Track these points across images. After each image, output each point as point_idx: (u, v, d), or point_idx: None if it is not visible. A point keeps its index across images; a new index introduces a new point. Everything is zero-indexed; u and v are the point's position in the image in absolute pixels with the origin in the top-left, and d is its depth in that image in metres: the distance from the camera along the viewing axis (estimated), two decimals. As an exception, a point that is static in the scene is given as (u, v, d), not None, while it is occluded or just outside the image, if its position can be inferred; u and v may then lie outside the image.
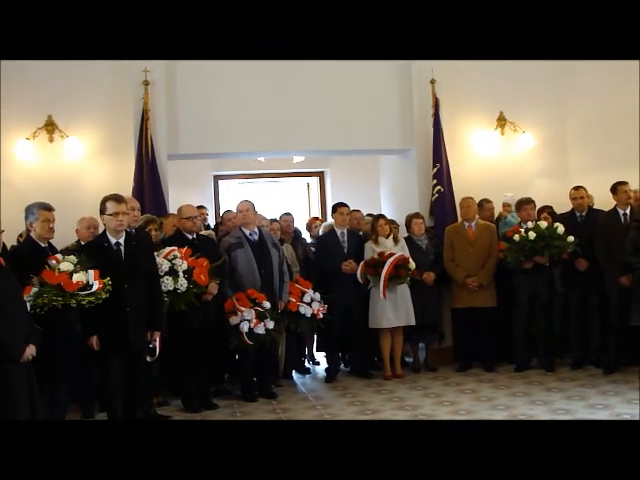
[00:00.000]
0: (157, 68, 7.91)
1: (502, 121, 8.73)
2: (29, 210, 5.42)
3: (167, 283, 6.08)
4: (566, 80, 8.75)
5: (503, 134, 8.74)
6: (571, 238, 7.20)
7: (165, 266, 6.13)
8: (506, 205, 8.39)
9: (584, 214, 7.56)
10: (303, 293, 7.30)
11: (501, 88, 8.70)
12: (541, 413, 6.01)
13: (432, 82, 8.45)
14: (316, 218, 10.14)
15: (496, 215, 8.35)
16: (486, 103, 8.69)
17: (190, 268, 6.25)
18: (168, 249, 6.32)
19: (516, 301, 7.62)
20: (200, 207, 8.08)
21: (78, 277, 5.06)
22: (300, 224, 9.45)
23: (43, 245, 5.39)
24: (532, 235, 7.20)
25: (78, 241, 6.66)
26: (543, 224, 7.33)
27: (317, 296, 7.34)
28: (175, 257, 6.23)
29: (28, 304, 4.80)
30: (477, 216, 7.93)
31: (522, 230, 7.34)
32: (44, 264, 5.12)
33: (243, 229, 7.10)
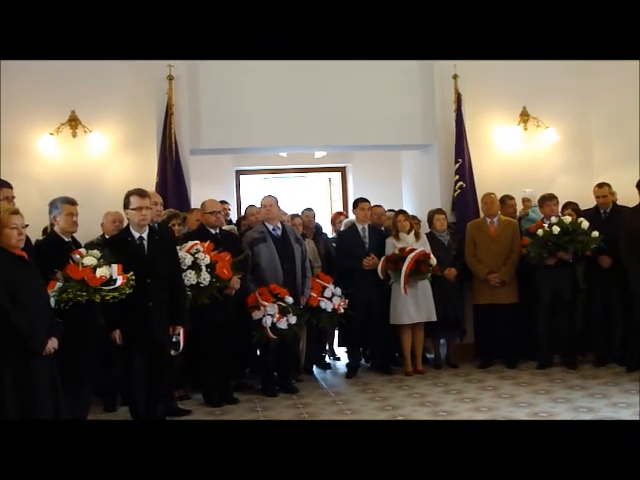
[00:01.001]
0: (180, 63, 7.92)
1: (525, 116, 8.67)
2: (53, 204, 5.45)
3: (190, 277, 6.10)
4: (590, 75, 8.66)
5: (526, 129, 8.68)
6: (596, 233, 7.13)
7: (188, 260, 6.15)
8: (526, 200, 8.33)
9: (608, 210, 7.51)
10: (324, 288, 7.31)
11: (524, 83, 8.63)
12: (563, 411, 5.96)
13: (454, 77, 8.41)
14: (340, 213, 10.12)
15: (518, 212, 8.30)
16: (509, 98, 8.63)
17: (213, 262, 6.27)
18: (191, 243, 6.34)
19: (538, 298, 7.58)
20: (222, 202, 8.11)
21: (101, 271, 5.09)
22: (322, 219, 9.46)
23: (67, 239, 5.42)
24: (556, 230, 7.15)
25: (103, 235, 6.72)
26: (567, 219, 7.27)
27: (338, 291, 7.35)
28: (198, 251, 6.26)
29: (53, 299, 4.85)
30: (499, 212, 7.89)
31: (545, 225, 7.30)
32: (68, 258, 5.16)
33: (266, 224, 7.11)
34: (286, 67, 8.09)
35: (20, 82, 7.66)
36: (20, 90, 7.65)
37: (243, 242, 7.08)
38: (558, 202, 7.66)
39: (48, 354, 4.45)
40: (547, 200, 7.57)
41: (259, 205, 7.42)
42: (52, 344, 4.47)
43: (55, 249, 5.26)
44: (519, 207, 8.36)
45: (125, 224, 6.07)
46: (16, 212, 4.47)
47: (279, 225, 7.15)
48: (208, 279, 6.18)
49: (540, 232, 7.25)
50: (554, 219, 7.29)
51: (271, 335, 6.65)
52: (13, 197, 5.00)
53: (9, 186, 5.00)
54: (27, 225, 4.55)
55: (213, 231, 6.73)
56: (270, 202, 7.13)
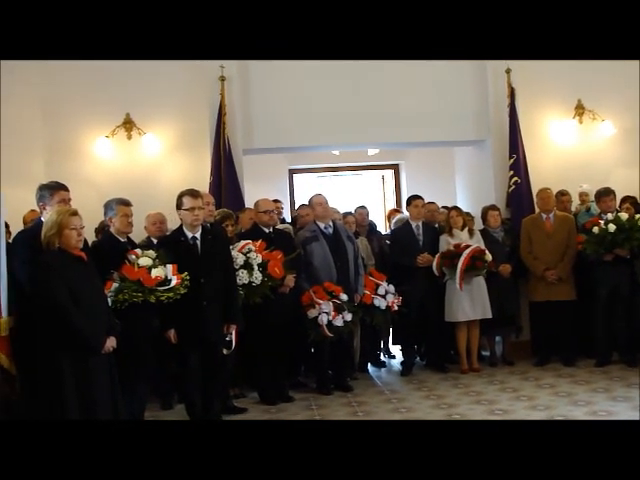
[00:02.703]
0: (232, 64, 7.96)
1: (580, 109, 8.52)
2: (108, 206, 5.56)
3: (242, 276, 6.14)
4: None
5: (581, 123, 8.52)
6: (654, 228, 6.98)
7: (240, 259, 6.20)
8: (583, 194, 8.16)
9: (668, 204, 7.35)
10: (377, 285, 7.28)
11: (579, 75, 8.43)
12: (622, 410, 5.84)
13: (507, 72, 8.30)
14: (396, 210, 10.06)
15: (574, 207, 8.16)
16: (563, 91, 8.49)
17: (265, 261, 6.30)
18: (243, 242, 6.39)
19: (596, 294, 7.43)
20: (275, 201, 8.13)
21: (157, 272, 5.17)
22: (375, 217, 9.42)
23: (122, 240, 5.52)
24: (612, 227, 7.00)
25: (148, 237, 6.78)
26: (624, 216, 7.12)
27: (391, 288, 7.31)
28: (250, 250, 6.30)
29: (109, 299, 4.93)
30: (555, 208, 7.77)
31: (602, 222, 7.15)
32: (124, 259, 5.24)
33: (318, 223, 7.12)
34: (337, 65, 8.02)
35: (77, 87, 7.83)
36: (77, 94, 7.83)
37: (295, 241, 7.10)
38: (615, 197, 7.49)
39: (107, 353, 4.54)
40: (603, 195, 7.42)
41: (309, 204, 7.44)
42: (111, 343, 4.57)
43: (111, 250, 5.36)
44: (575, 202, 8.21)
45: (166, 225, 6.17)
46: (75, 213, 4.57)
47: (331, 223, 7.15)
48: (260, 278, 6.22)
49: (596, 230, 7.11)
50: (610, 215, 7.15)
51: (327, 333, 6.66)
52: (69, 199, 5.08)
53: (65, 188, 5.09)
54: (84, 227, 4.64)
55: (267, 230, 6.76)
56: (323, 200, 7.15)
